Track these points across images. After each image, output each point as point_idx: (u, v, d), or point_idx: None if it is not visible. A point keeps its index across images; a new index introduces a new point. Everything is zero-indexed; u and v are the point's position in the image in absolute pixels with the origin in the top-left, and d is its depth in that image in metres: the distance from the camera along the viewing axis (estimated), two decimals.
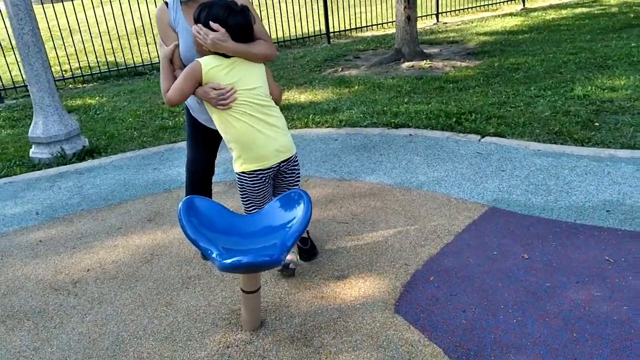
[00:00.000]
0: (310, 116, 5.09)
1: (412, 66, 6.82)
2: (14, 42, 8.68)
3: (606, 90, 4.96)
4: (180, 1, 2.44)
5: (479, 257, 2.63)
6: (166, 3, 2.49)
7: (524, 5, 11.61)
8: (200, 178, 2.71)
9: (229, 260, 1.77)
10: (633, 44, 6.67)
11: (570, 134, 4.06)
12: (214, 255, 1.84)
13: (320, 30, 9.94)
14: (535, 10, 10.94)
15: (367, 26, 10.43)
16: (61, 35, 8.30)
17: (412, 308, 2.31)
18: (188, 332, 2.23)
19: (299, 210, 2.06)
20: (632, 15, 9.02)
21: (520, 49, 7.21)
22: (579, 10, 10.33)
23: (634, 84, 5.03)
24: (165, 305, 2.42)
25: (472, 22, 10.17)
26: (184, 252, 2.87)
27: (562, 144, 3.94)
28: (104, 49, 8.55)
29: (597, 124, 4.22)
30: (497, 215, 3.01)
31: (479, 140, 4.12)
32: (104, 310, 2.42)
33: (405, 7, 6.92)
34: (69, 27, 8.22)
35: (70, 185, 3.93)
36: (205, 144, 2.65)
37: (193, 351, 2.12)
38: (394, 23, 10.32)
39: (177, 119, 5.42)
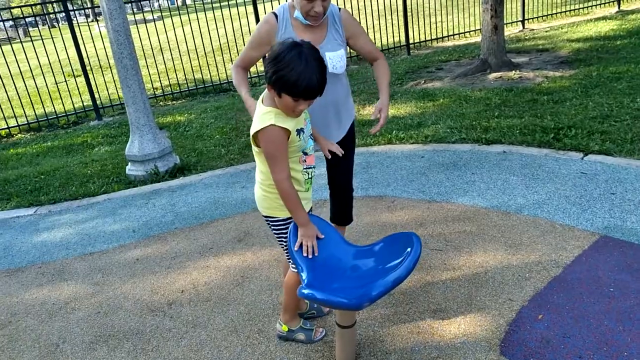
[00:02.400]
0: (394, 132, 4.96)
1: (500, 77, 6.50)
2: (110, 62, 9.29)
3: None
4: (302, 23, 2.24)
5: (593, 294, 2.39)
6: (275, 14, 2.28)
7: (619, 7, 10.80)
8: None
9: (306, 291, 1.75)
10: None
11: None
12: (303, 277, 1.82)
13: (400, 41, 9.79)
14: (632, 12, 10.14)
15: (448, 36, 10.14)
16: (153, 54, 8.77)
17: (520, 350, 2.12)
18: None
19: (404, 259, 1.85)
20: None
21: (620, 56, 6.66)
22: None
23: None
24: (258, 333, 2.40)
25: (561, 28, 9.58)
26: (274, 275, 2.84)
27: None
28: (191, 67, 8.93)
29: None
30: (611, 246, 2.73)
31: (582, 159, 3.80)
32: (198, 335, 2.44)
33: (492, 16, 6.63)
34: (160, 45, 8.67)
35: (163, 202, 4.08)
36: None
37: None
38: (476, 32, 9.96)
39: None
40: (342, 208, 2.64)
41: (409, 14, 9.47)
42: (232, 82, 8.29)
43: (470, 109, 5.38)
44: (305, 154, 2.02)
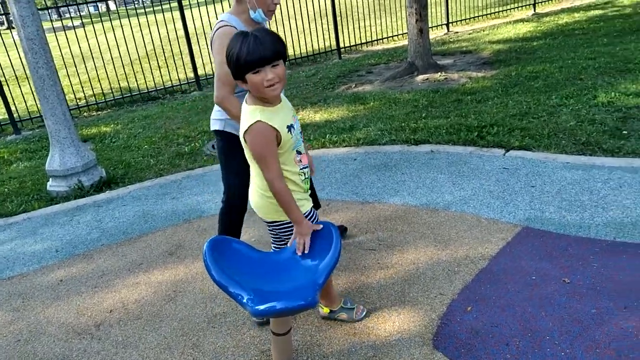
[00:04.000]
0: (327, 136, 5.00)
1: (427, 79, 6.72)
2: (28, 72, 8.77)
3: (631, 96, 4.80)
4: (259, 22, 2.46)
5: (518, 283, 2.50)
6: (230, 25, 2.36)
7: (534, 10, 11.48)
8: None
9: (262, 307, 1.66)
10: None
11: (598, 144, 3.91)
12: (244, 301, 1.74)
13: (330, 45, 9.91)
14: (547, 15, 10.80)
15: (377, 40, 10.37)
16: (74, 62, 8.36)
17: (452, 342, 2.19)
18: None
19: (328, 244, 1.93)
20: None
21: (537, 56, 7.07)
22: (592, 12, 10.18)
23: None
24: (192, 348, 2.33)
25: (483, 31, 10.06)
26: (208, 287, 2.77)
27: (591, 155, 3.80)
28: (116, 75, 8.59)
29: (625, 132, 4.07)
30: (532, 236, 2.88)
31: (504, 155, 3.99)
32: (129, 356, 2.33)
33: (417, 20, 6.84)
34: (82, 54, 8.28)
35: (89, 219, 3.88)
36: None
37: None
38: (404, 35, 10.25)
39: (192, 144, 5.37)
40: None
41: (338, 18, 9.60)
42: (160, 89, 7.99)
43: (399, 111, 5.52)
44: (299, 152, 1.96)
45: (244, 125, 1.83)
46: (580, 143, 4.00)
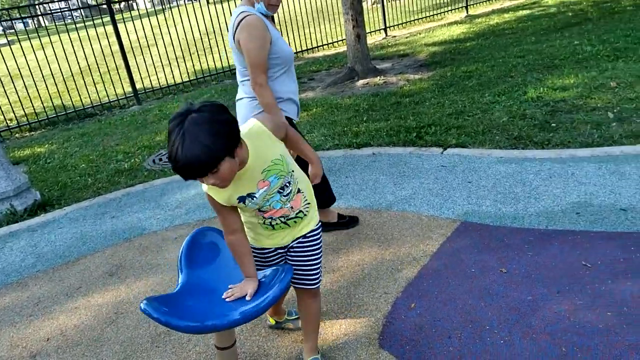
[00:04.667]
0: None
1: (367, 83, 6.84)
2: None
3: (558, 90, 5.07)
4: (263, 14, 2.61)
5: (458, 277, 2.57)
6: (253, 14, 2.55)
7: (467, 12, 11.92)
8: None
9: (142, 305, 1.64)
10: (576, 42, 6.89)
11: (530, 138, 4.10)
12: (178, 282, 1.82)
13: None
14: (478, 16, 11.25)
15: (317, 46, 10.47)
16: (1, 82, 7.96)
17: (397, 340, 2.22)
18: None
19: (263, 292, 1.78)
20: (570, 14, 9.37)
21: (470, 56, 7.34)
22: (520, 12, 10.68)
23: (583, 82, 5.16)
24: None
25: (419, 34, 10.35)
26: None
27: (523, 148, 3.97)
28: (49, 93, 8.24)
29: (554, 124, 4.29)
30: (470, 230, 2.97)
31: (442, 153, 4.11)
32: None
33: (354, 26, 6.95)
34: (10, 73, 7.89)
35: (22, 244, 3.69)
36: None
37: None
38: (343, 41, 10.39)
39: (132, 160, 5.22)
40: (324, 191, 3.07)
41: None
42: (97, 105, 7.74)
43: (341, 115, 5.58)
44: (262, 211, 1.78)
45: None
46: (513, 137, 4.18)
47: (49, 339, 2.56)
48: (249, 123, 1.73)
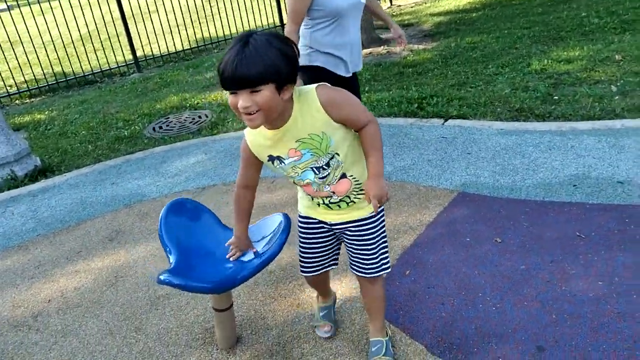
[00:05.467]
0: None
1: (370, 53, 6.76)
2: None
3: (562, 63, 5.00)
4: None
5: (453, 246, 2.60)
6: None
7: None
8: None
9: (162, 277, 1.70)
10: (583, 14, 6.77)
11: (531, 110, 4.07)
12: (170, 260, 1.83)
13: (274, 22, 9.77)
14: None
15: None
16: (1, 48, 7.88)
17: (390, 306, 2.25)
18: (161, 358, 2.12)
19: (272, 244, 1.88)
20: None
21: (475, 27, 7.23)
22: None
23: (588, 54, 5.10)
24: (135, 331, 2.30)
25: (425, 3, 10.16)
26: (151, 271, 2.74)
27: (524, 120, 3.95)
28: (49, 60, 8.17)
29: (556, 97, 4.25)
30: (467, 200, 2.99)
31: (443, 124, 4.10)
32: (69, 343, 2.28)
33: None
34: (9, 39, 7.81)
35: (23, 209, 3.73)
36: None
37: None
38: None
39: (132, 127, 5.21)
40: None
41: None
42: (98, 73, 7.67)
43: None
44: (297, 184, 1.74)
45: None
46: (515, 110, 4.15)
47: (50, 301, 2.62)
48: (307, 87, 1.59)
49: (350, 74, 2.95)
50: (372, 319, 2.02)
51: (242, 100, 1.42)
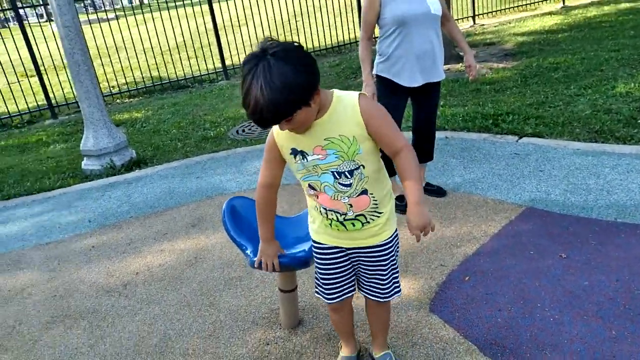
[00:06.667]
0: None
1: (448, 69, 6.80)
2: (64, 61, 9.19)
3: None
4: None
5: (516, 257, 2.63)
6: None
7: (564, 3, 11.34)
8: None
9: (281, 260, 1.89)
10: None
11: (611, 132, 3.97)
12: (247, 252, 1.96)
13: (355, 37, 10.04)
14: (576, 8, 10.67)
15: None
16: (108, 53, 8.72)
17: (447, 307, 2.34)
18: (230, 330, 2.34)
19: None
20: None
21: (560, 48, 7.07)
22: (622, 5, 10.01)
23: None
24: (209, 305, 2.55)
25: (509, 23, 10.02)
26: (226, 255, 2.99)
27: (603, 142, 3.86)
28: (148, 65, 8.92)
29: None
30: (535, 216, 2.99)
31: (517, 141, 4.09)
32: (152, 310, 2.57)
33: None
34: (115, 44, 8.65)
35: (119, 194, 4.16)
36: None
37: (235, 348, 2.22)
38: None
39: (218, 129, 5.61)
40: (426, 147, 3.34)
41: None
42: (189, 78, 8.30)
43: None
44: (313, 188, 1.65)
45: None
46: (594, 131, 4.07)
47: (138, 273, 2.94)
48: (349, 92, 1.58)
49: (417, 85, 3.00)
50: (378, 335, 2.02)
51: (280, 127, 1.48)
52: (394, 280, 1.83)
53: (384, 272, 1.79)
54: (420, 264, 2.67)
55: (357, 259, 1.80)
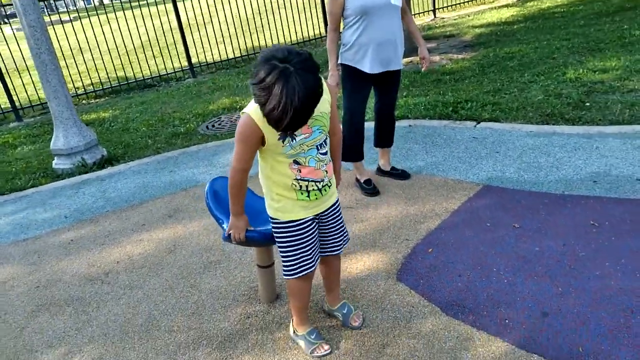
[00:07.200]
0: None
1: (410, 61, 7.05)
2: (27, 63, 9.04)
3: (597, 72, 5.15)
4: None
5: (474, 229, 2.86)
6: None
7: None
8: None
9: (249, 234, 2.05)
10: (625, 26, 6.84)
11: (561, 115, 4.26)
12: (224, 225, 2.12)
13: (320, 33, 10.21)
14: (531, 0, 11.11)
15: None
16: (72, 54, 8.65)
17: (412, 276, 2.54)
18: (212, 308, 2.49)
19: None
20: None
21: (515, 39, 7.40)
22: None
23: (624, 65, 5.22)
24: (190, 287, 2.68)
25: (468, 16, 10.37)
26: (204, 241, 3.12)
27: (554, 124, 4.15)
28: (113, 65, 8.88)
29: (587, 104, 4.42)
30: (491, 192, 3.23)
31: (475, 126, 4.34)
32: (135, 295, 2.69)
33: None
34: (79, 45, 8.57)
35: (93, 190, 4.22)
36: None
37: (217, 322, 2.37)
38: None
39: (187, 125, 5.70)
40: (386, 133, 3.57)
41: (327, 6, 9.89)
42: (156, 77, 8.28)
43: None
44: (298, 163, 1.83)
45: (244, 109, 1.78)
46: (546, 115, 4.35)
47: (119, 262, 3.04)
48: None
49: (377, 72, 3.20)
50: (334, 289, 2.28)
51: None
52: (345, 228, 2.17)
53: (342, 222, 2.12)
54: (387, 239, 2.87)
55: (326, 221, 2.05)
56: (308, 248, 1.98)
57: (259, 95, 1.53)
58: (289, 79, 1.49)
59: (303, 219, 1.94)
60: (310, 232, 1.98)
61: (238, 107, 6.18)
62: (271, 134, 1.74)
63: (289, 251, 1.98)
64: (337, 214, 2.08)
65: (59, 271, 3.04)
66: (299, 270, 2.00)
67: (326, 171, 1.91)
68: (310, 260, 2.01)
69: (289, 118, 1.51)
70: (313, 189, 1.90)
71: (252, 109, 1.71)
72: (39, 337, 2.47)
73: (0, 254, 3.37)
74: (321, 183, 1.91)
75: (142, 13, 8.77)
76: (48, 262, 3.17)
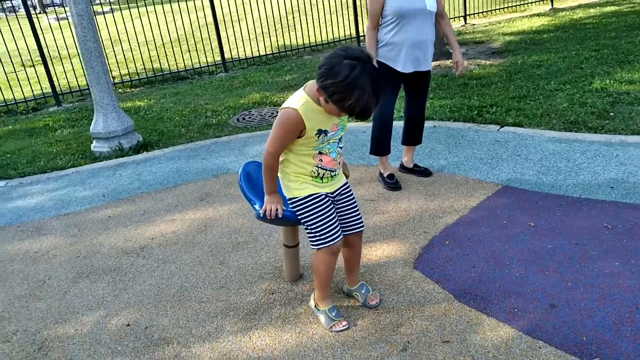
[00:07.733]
0: None
1: (438, 65, 7.16)
2: (68, 51, 9.43)
3: (624, 83, 5.19)
4: None
5: (490, 226, 2.98)
6: None
7: (552, 5, 11.74)
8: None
9: (285, 213, 2.22)
10: None
11: (585, 123, 4.34)
12: (255, 206, 2.29)
13: (350, 34, 10.37)
14: (563, 10, 11.08)
15: None
16: (112, 44, 8.99)
17: (428, 265, 2.69)
18: (239, 283, 2.67)
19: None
20: None
21: (544, 47, 7.44)
22: (607, 8, 10.42)
23: None
24: (219, 264, 2.87)
25: (499, 23, 10.40)
26: (233, 224, 3.32)
27: (576, 131, 4.23)
28: (150, 56, 9.20)
29: (612, 114, 4.49)
30: (510, 192, 3.35)
31: (498, 130, 4.45)
32: (169, 268, 2.89)
33: None
34: (119, 37, 8.92)
35: (129, 173, 4.47)
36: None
37: (244, 296, 2.56)
38: None
39: (219, 117, 5.92)
40: (415, 131, 3.73)
41: (359, 9, 10.05)
42: (189, 70, 8.56)
43: None
44: (321, 153, 2.11)
45: (287, 101, 2.03)
46: (569, 122, 4.44)
47: (153, 238, 3.26)
48: None
49: (408, 71, 3.39)
50: (354, 271, 2.43)
51: (341, 112, 1.93)
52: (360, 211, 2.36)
53: (355, 201, 2.31)
54: (406, 231, 3.01)
55: (341, 200, 2.27)
56: (330, 218, 2.17)
57: (339, 92, 1.82)
58: (370, 73, 1.82)
59: (318, 193, 2.18)
60: (329, 204, 2.20)
61: (268, 102, 6.39)
62: (311, 130, 2.02)
63: (313, 223, 2.16)
64: (348, 192, 2.30)
65: (98, 244, 3.26)
66: (326, 239, 2.16)
67: (339, 162, 2.21)
68: (335, 230, 2.18)
69: (375, 104, 1.85)
70: (326, 177, 2.19)
71: (299, 105, 1.98)
72: (79, 301, 2.69)
73: (43, 226, 3.62)
74: (333, 172, 2.20)
75: (179, 7, 9.07)
76: (87, 235, 3.40)
